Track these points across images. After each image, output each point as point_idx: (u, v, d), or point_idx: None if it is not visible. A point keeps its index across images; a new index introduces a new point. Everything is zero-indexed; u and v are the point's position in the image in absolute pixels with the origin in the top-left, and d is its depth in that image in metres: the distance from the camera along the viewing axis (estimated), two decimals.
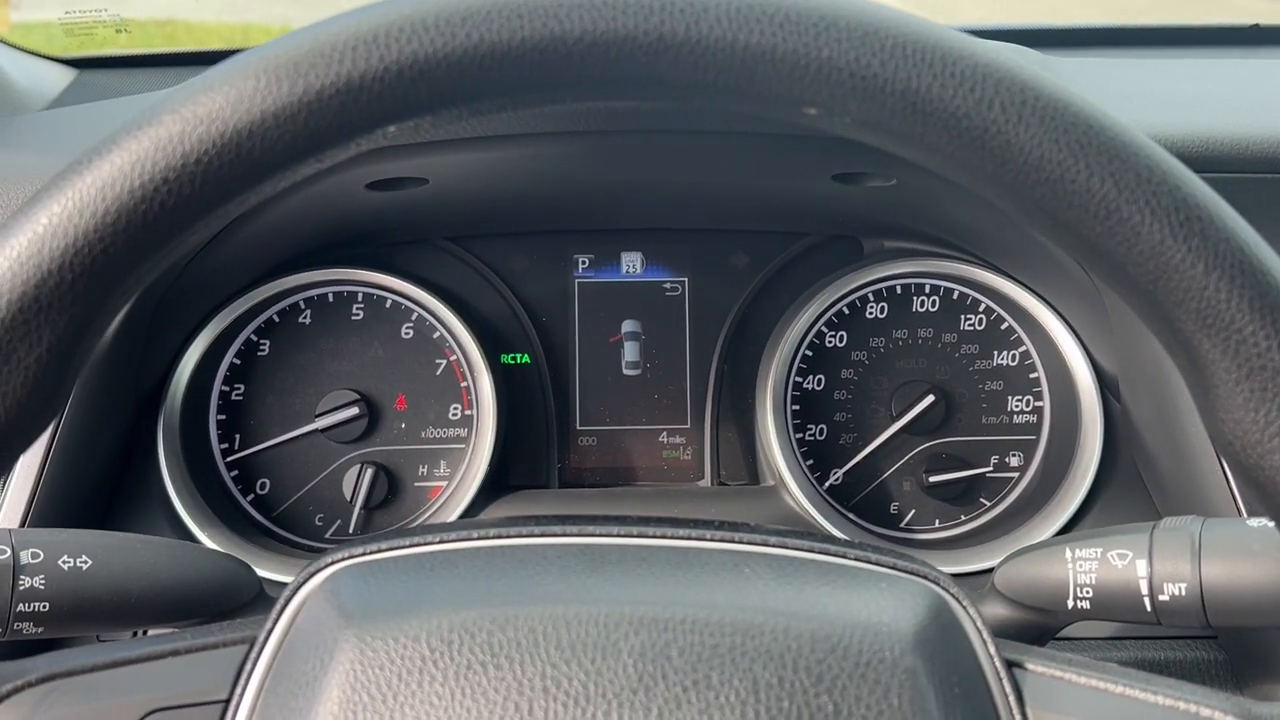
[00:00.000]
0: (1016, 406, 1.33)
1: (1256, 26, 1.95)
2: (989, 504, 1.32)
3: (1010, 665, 0.61)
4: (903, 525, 1.33)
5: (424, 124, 0.56)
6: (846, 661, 0.56)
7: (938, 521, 1.33)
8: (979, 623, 0.62)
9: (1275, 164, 1.13)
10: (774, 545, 0.64)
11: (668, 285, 1.37)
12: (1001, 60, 0.58)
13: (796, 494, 1.26)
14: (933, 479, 1.30)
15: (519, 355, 1.35)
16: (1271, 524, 0.78)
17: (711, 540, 0.64)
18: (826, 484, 1.32)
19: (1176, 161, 0.57)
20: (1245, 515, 0.99)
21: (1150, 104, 1.29)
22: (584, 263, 1.36)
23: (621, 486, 1.34)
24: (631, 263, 1.37)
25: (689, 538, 0.64)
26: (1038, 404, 1.32)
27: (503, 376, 1.32)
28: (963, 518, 1.33)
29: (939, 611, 0.61)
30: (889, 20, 0.57)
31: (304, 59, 0.53)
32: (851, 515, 1.31)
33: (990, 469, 1.32)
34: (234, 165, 0.53)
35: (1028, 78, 0.57)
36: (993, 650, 0.61)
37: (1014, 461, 1.33)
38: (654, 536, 0.63)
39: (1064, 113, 0.56)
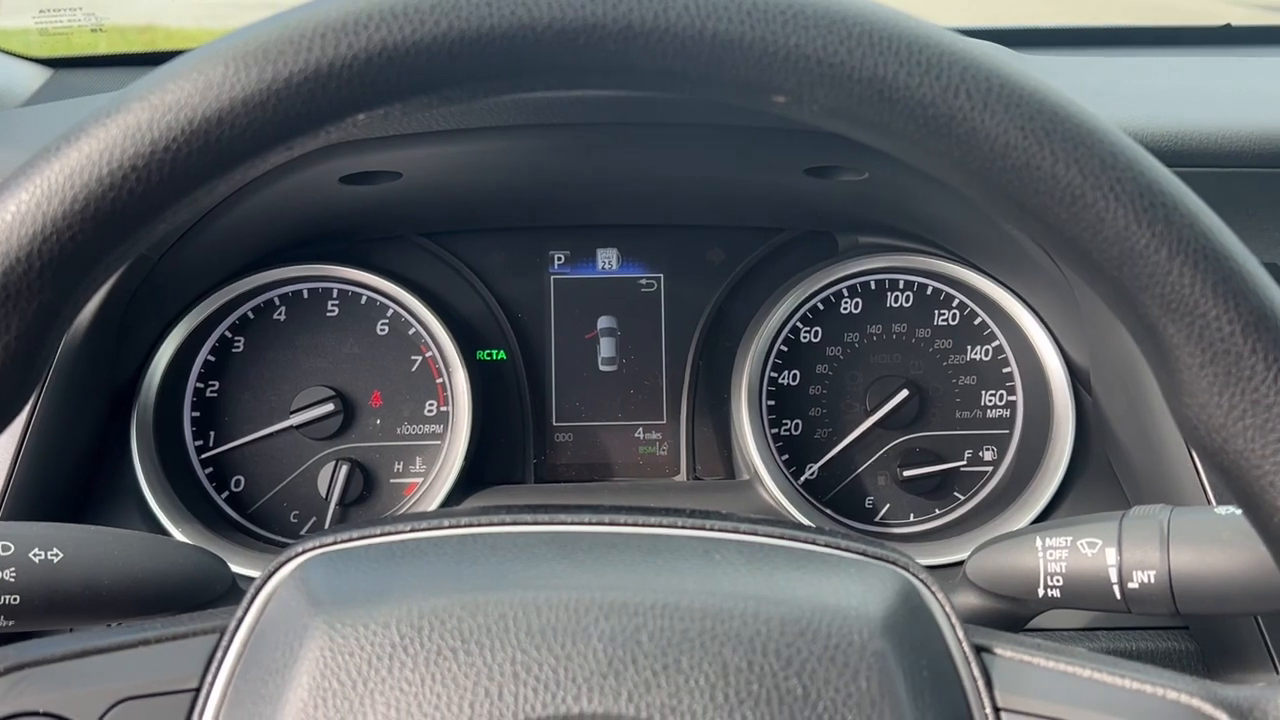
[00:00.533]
0: (990, 401, 1.33)
1: (1229, 26, 1.96)
2: (963, 498, 1.33)
3: (979, 650, 0.61)
4: (878, 519, 1.33)
5: (394, 112, 0.56)
6: (815, 645, 0.56)
7: (912, 515, 1.33)
8: (948, 608, 0.62)
9: (1245, 158, 1.14)
10: (744, 532, 0.64)
11: (643, 281, 1.37)
12: (967, 48, 0.58)
13: (772, 488, 1.26)
14: (907, 473, 1.31)
15: (495, 352, 1.35)
16: (1239, 512, 0.79)
17: (682, 528, 0.64)
18: (802, 479, 1.33)
19: (1141, 148, 0.58)
20: (1214, 504, 1.00)
21: (1123, 99, 1.30)
22: (560, 259, 1.36)
23: (598, 482, 1.35)
24: (607, 259, 1.37)
25: (660, 525, 0.64)
26: (1011, 398, 1.33)
27: (478, 373, 1.32)
28: (937, 511, 1.33)
29: (908, 596, 0.61)
30: (856, 8, 0.57)
31: (273, 46, 0.53)
32: (827, 510, 1.32)
33: (964, 463, 1.33)
34: (203, 152, 0.53)
35: (993, 65, 0.58)
36: (961, 635, 0.61)
37: (988, 455, 1.33)
38: (625, 524, 0.64)
39: (1029, 99, 0.57)
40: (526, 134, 1.10)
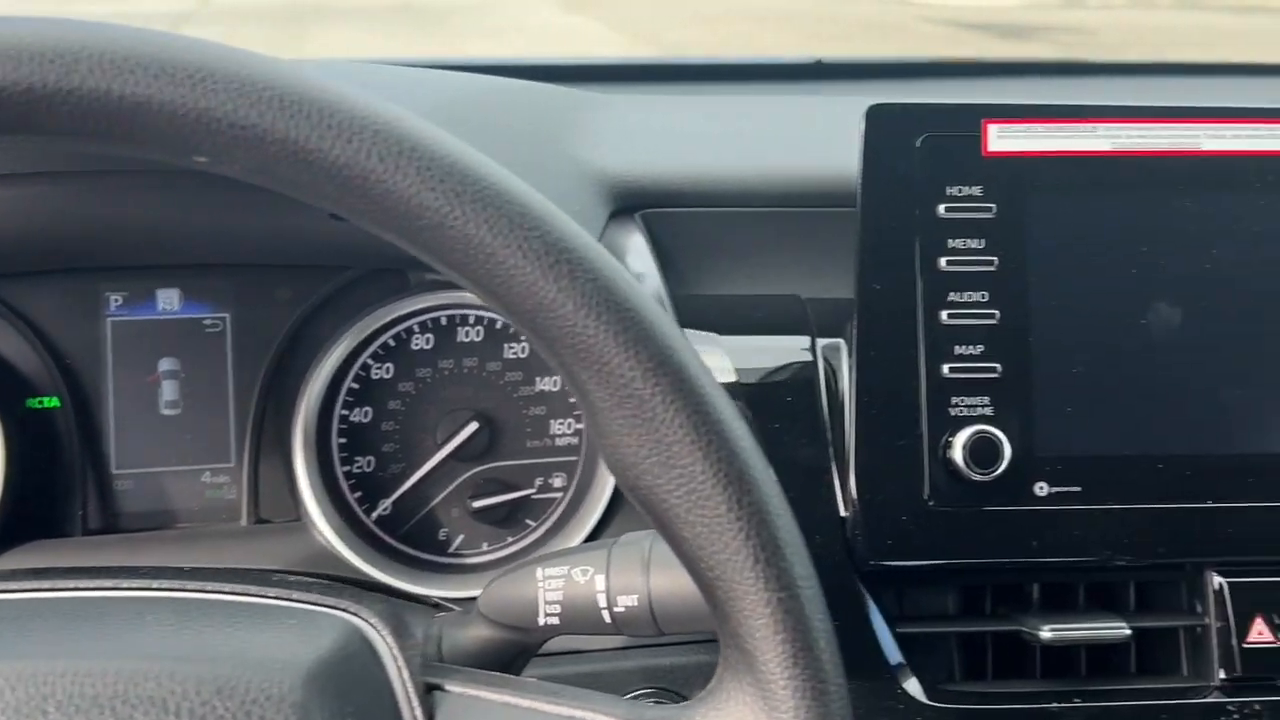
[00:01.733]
0: (559, 429, 1.38)
1: (819, 62, 2.07)
2: (534, 524, 1.37)
3: (431, 688, 0.64)
4: (452, 551, 1.35)
5: None
6: (232, 701, 0.57)
7: (485, 545, 1.36)
8: (395, 650, 0.64)
9: (827, 199, 1.21)
10: (192, 590, 0.64)
11: (208, 322, 1.34)
12: (381, 112, 0.60)
13: (325, 530, 1.26)
14: (477, 504, 1.33)
15: (46, 399, 1.29)
16: None
17: (120, 590, 0.63)
18: (375, 515, 1.33)
19: (550, 206, 0.62)
20: None
21: (706, 142, 1.36)
22: (116, 301, 1.32)
23: (158, 530, 1.31)
24: (168, 299, 1.33)
25: (92, 588, 0.63)
26: (578, 425, 1.38)
27: (24, 422, 1.26)
28: (510, 539, 1.36)
29: (348, 642, 0.63)
30: (266, 72, 0.58)
31: None
32: (402, 545, 1.33)
33: (535, 490, 1.37)
34: None
35: (407, 129, 0.61)
36: (407, 676, 0.63)
37: (557, 482, 1.38)
38: (48, 590, 0.62)
39: (440, 162, 0.60)
40: (40, 182, 1.06)
